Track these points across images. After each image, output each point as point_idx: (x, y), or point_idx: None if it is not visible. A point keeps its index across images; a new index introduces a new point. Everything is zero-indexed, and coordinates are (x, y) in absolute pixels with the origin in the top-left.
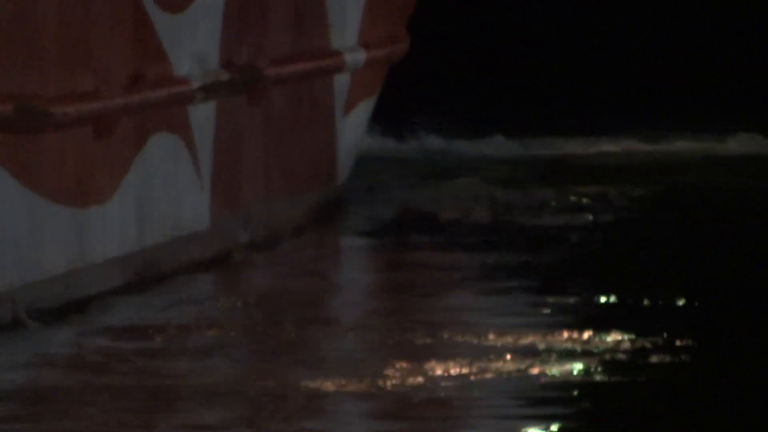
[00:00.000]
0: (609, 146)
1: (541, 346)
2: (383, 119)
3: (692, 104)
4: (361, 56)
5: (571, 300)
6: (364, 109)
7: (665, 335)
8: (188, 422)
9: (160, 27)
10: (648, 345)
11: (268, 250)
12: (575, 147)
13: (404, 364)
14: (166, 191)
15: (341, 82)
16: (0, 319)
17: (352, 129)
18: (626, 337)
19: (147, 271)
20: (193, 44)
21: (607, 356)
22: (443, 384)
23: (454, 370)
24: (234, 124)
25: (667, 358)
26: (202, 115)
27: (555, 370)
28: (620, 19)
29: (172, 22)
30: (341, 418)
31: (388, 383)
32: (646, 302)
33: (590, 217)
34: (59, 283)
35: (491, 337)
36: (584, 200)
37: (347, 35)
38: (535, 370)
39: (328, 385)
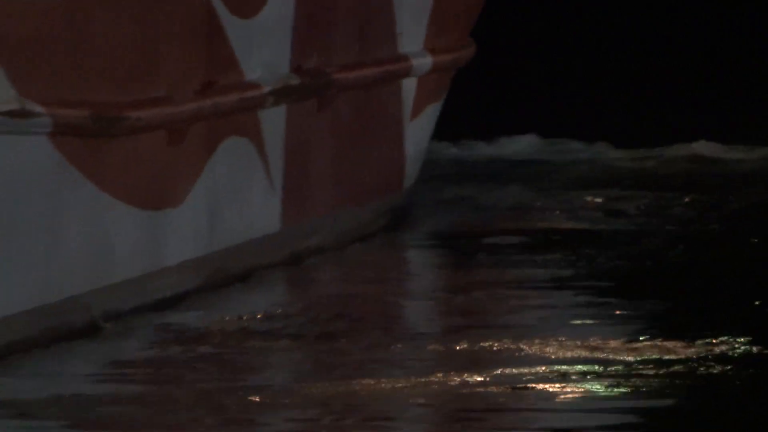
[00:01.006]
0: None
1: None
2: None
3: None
4: (428, 61)
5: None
6: (430, 114)
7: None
8: (270, 423)
9: (231, 33)
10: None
11: (336, 255)
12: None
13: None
14: (238, 195)
15: (408, 87)
16: (75, 323)
17: (419, 133)
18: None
19: (219, 274)
20: (264, 50)
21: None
22: (510, 391)
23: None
24: (303, 129)
25: None
26: (273, 120)
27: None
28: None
29: (243, 27)
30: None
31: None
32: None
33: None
34: (134, 286)
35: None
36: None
37: (414, 40)
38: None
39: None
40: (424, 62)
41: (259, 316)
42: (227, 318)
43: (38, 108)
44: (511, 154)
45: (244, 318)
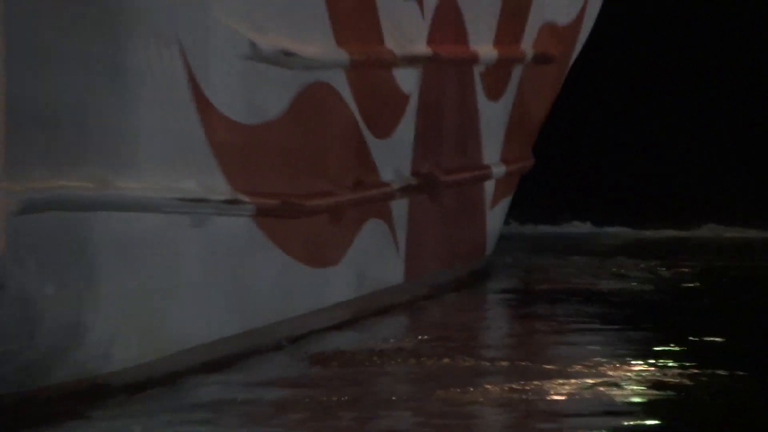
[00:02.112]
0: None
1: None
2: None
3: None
4: (502, 169)
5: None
6: (503, 205)
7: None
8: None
9: (373, 148)
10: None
11: (438, 300)
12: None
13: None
14: (376, 258)
15: (489, 186)
16: (267, 344)
17: (496, 218)
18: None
19: (363, 312)
20: (394, 159)
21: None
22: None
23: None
24: (419, 214)
25: None
26: (399, 208)
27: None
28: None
29: (380, 145)
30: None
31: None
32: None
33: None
34: (305, 318)
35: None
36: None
37: (493, 154)
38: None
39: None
40: (499, 170)
41: (386, 341)
42: (362, 343)
43: (245, 198)
44: (564, 233)
45: (377, 342)
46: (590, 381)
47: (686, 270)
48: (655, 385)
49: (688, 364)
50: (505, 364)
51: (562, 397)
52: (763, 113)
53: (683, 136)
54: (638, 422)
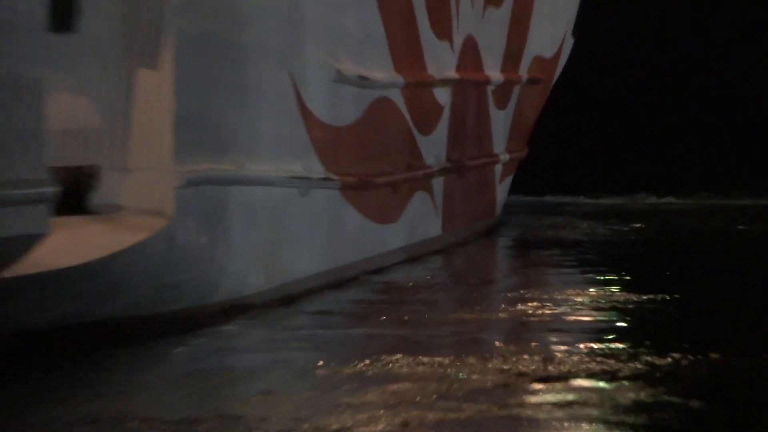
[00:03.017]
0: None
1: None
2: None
3: None
4: (506, 157)
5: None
6: (507, 181)
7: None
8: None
9: (420, 142)
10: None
11: (465, 246)
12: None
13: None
14: (422, 218)
15: (498, 168)
16: (348, 277)
17: (503, 191)
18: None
19: (413, 254)
20: (434, 150)
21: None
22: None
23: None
24: (451, 187)
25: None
26: (437, 183)
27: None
28: None
29: (425, 140)
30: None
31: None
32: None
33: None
34: (373, 259)
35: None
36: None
37: (500, 146)
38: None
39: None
40: (504, 158)
41: (429, 274)
42: (416, 275)
43: (334, 176)
44: (544, 202)
45: (423, 275)
46: (559, 298)
47: (629, 228)
48: (608, 301)
49: (630, 291)
50: (508, 293)
51: (547, 312)
52: (686, 100)
53: (630, 124)
54: (594, 323)
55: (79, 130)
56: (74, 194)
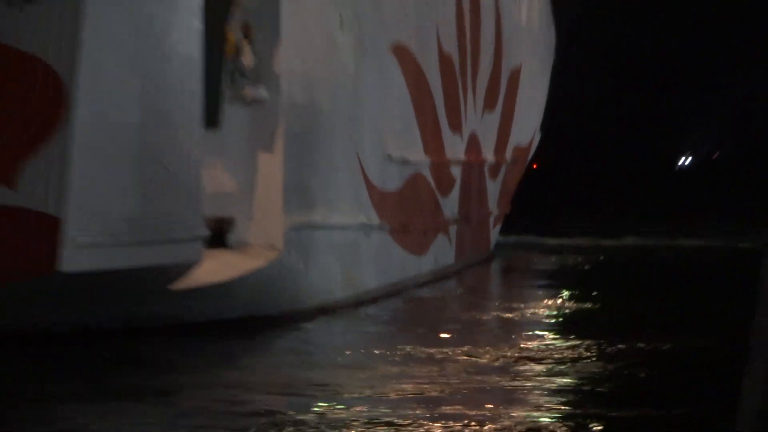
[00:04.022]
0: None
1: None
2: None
3: None
4: (497, 212)
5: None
6: (498, 228)
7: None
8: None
9: (441, 202)
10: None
11: (470, 270)
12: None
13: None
14: (442, 251)
15: (491, 219)
16: (392, 291)
17: (495, 234)
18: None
19: (437, 276)
20: (450, 207)
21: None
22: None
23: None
24: (461, 231)
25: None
26: (452, 229)
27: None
28: None
29: (445, 200)
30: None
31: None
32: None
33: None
34: (411, 279)
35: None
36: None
37: (492, 205)
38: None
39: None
40: (495, 212)
41: (441, 291)
42: (435, 291)
43: (385, 224)
44: (524, 242)
45: (441, 290)
46: (533, 305)
47: (585, 258)
48: (561, 308)
49: (582, 300)
50: (497, 302)
51: (525, 313)
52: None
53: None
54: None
55: (221, 194)
56: (218, 235)
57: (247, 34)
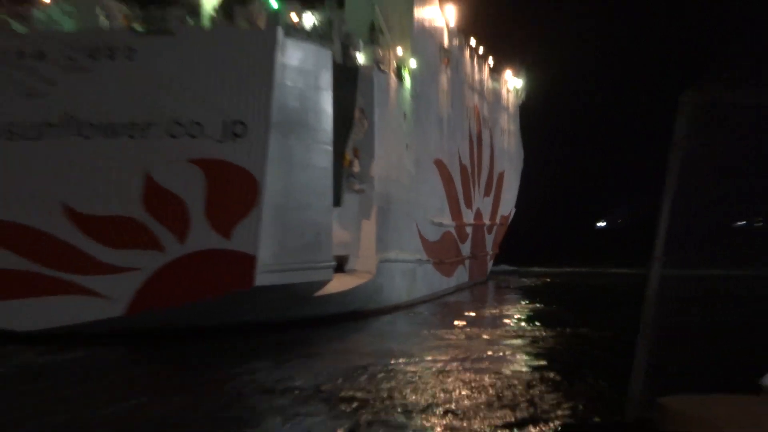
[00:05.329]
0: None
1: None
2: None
3: None
4: (491, 252)
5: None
6: (491, 262)
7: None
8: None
9: (461, 247)
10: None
11: (476, 287)
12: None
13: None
14: (461, 275)
15: (488, 257)
16: (433, 299)
17: (490, 265)
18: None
19: (458, 290)
20: (466, 250)
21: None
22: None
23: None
24: (472, 264)
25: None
26: (467, 263)
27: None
28: None
29: (462, 246)
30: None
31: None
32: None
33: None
34: (443, 292)
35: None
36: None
37: (489, 248)
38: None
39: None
40: (490, 252)
41: (457, 300)
42: (452, 301)
43: (432, 259)
44: (506, 270)
45: (456, 299)
46: (514, 306)
47: (543, 279)
48: (531, 308)
49: (545, 304)
50: (489, 307)
51: (509, 311)
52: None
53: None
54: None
55: (342, 242)
56: (340, 265)
57: (356, 154)
